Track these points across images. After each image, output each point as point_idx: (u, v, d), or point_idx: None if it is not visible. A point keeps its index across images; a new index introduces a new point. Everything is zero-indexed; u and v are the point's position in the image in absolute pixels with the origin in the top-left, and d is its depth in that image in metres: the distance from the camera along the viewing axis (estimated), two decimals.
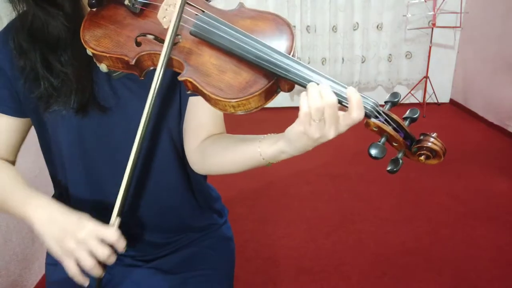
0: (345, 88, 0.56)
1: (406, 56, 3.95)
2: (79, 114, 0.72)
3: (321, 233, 2.07)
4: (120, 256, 0.86)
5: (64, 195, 0.84)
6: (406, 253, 1.90)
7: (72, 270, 0.63)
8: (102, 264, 0.64)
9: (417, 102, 3.98)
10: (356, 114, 0.54)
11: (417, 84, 3.92)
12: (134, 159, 0.62)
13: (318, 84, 0.56)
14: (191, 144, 0.81)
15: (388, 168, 0.57)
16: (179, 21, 0.61)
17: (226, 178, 2.60)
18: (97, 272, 0.63)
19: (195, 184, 0.90)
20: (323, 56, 3.96)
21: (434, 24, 3.60)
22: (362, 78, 4.02)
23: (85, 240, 0.62)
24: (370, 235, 2.04)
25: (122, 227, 0.84)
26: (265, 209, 2.32)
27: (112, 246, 0.63)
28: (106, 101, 0.74)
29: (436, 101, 4.00)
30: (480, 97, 3.60)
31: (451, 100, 4.11)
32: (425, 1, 3.54)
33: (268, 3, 3.82)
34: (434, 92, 3.95)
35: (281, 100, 4.02)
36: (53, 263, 0.89)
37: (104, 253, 0.62)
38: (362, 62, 3.97)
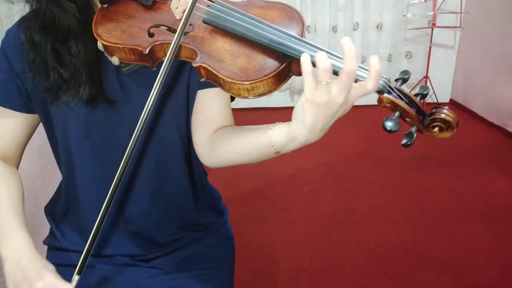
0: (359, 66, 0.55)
1: (406, 56, 3.95)
2: (88, 106, 0.73)
3: (322, 233, 2.07)
4: (120, 256, 0.86)
5: (71, 184, 0.84)
6: (406, 252, 1.89)
7: None
8: None
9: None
10: (371, 85, 0.53)
11: (417, 84, 3.92)
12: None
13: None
14: (200, 138, 0.81)
15: (403, 142, 0.58)
16: (192, 9, 0.62)
17: (226, 178, 2.59)
18: None
19: (199, 183, 0.91)
20: None
21: (434, 24, 3.60)
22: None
23: None
24: (370, 234, 2.04)
25: (126, 225, 0.84)
26: (265, 209, 2.32)
27: None
28: (114, 95, 0.75)
29: (436, 101, 4.00)
30: (480, 97, 3.60)
31: (451, 100, 4.11)
32: (425, 1, 3.54)
33: None
34: (434, 92, 3.94)
35: (281, 100, 4.02)
36: (54, 264, 0.89)
37: None
38: (362, 62, 3.95)
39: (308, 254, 1.91)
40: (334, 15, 3.80)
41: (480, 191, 2.41)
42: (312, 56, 0.54)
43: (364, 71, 0.56)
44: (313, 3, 3.77)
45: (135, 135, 0.61)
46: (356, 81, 0.54)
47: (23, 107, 0.77)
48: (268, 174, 2.68)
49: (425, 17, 3.69)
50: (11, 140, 0.79)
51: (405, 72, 0.62)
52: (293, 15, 0.65)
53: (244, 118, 3.42)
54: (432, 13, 3.57)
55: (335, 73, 0.54)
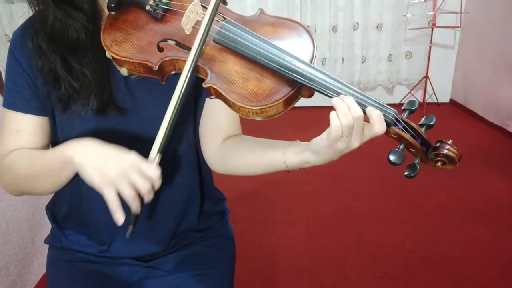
0: (366, 97, 0.60)
1: (406, 56, 3.95)
2: (99, 116, 0.73)
3: (321, 233, 2.07)
4: (122, 258, 0.86)
5: (75, 188, 0.83)
6: (406, 253, 1.89)
7: (112, 199, 0.61)
8: (140, 199, 0.62)
9: (417, 102, 3.98)
10: (378, 128, 0.58)
11: (417, 84, 3.92)
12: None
13: (343, 95, 0.59)
14: (209, 145, 0.82)
15: (406, 173, 0.61)
16: (208, 32, 0.61)
17: (226, 178, 2.58)
18: (136, 205, 0.62)
19: (206, 186, 0.91)
20: (323, 56, 3.96)
21: (434, 24, 3.60)
22: (362, 78, 4.02)
23: (127, 170, 0.60)
24: (370, 235, 2.04)
25: (128, 225, 0.84)
26: (265, 209, 2.32)
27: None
28: (123, 103, 0.75)
29: (436, 101, 4.00)
30: (480, 97, 3.60)
31: (451, 100, 4.11)
32: (425, 1, 3.54)
33: (268, 3, 3.82)
34: (434, 92, 3.95)
35: None
36: (55, 263, 0.89)
37: (145, 186, 0.60)
38: (362, 62, 3.97)
39: (307, 254, 1.91)
40: (334, 15, 3.80)
41: (479, 191, 2.41)
42: (327, 92, 0.59)
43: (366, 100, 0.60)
44: (313, 3, 3.77)
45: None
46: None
47: (40, 110, 0.76)
48: (268, 174, 2.67)
49: (425, 17, 3.69)
50: (33, 143, 0.76)
51: (412, 103, 0.64)
52: (304, 35, 0.64)
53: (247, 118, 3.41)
54: (432, 13, 3.57)
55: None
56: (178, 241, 0.89)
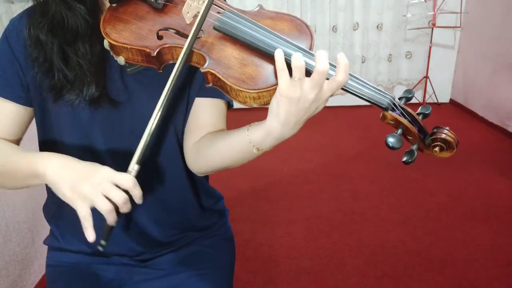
0: (366, 83, 0.61)
1: (406, 56, 3.95)
2: (92, 107, 0.73)
3: (321, 233, 2.07)
4: (119, 256, 0.86)
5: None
6: (406, 253, 1.89)
7: (84, 215, 0.59)
8: (117, 211, 0.61)
9: (417, 102, 3.98)
10: (341, 76, 0.57)
11: (417, 84, 3.92)
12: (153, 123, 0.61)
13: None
14: (188, 143, 0.82)
15: (404, 159, 0.60)
16: (205, 17, 0.62)
17: (226, 178, 2.59)
18: (112, 218, 0.60)
19: (199, 184, 0.91)
20: None
21: (434, 24, 3.60)
22: (362, 78, 4.01)
23: (100, 183, 0.59)
24: (370, 235, 2.04)
25: (127, 225, 0.84)
26: (265, 209, 2.32)
27: (128, 194, 0.60)
28: (117, 96, 0.75)
29: (436, 101, 4.00)
30: (480, 97, 3.60)
31: (451, 100, 4.11)
32: (425, 1, 3.54)
33: (268, 3, 3.82)
34: (434, 92, 3.95)
35: None
36: (53, 265, 0.89)
37: (120, 197, 0.59)
38: (362, 62, 3.97)
39: (307, 254, 1.91)
40: (334, 15, 3.80)
41: (479, 191, 2.41)
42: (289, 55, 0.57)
43: (335, 69, 0.58)
44: (313, 3, 3.77)
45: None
46: (328, 79, 0.57)
47: (23, 100, 0.75)
48: (268, 174, 2.68)
49: (425, 17, 3.69)
50: (8, 132, 0.76)
51: (409, 91, 0.64)
52: (302, 28, 0.66)
53: (243, 118, 3.41)
54: (432, 13, 3.57)
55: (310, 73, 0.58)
56: (176, 240, 0.89)
